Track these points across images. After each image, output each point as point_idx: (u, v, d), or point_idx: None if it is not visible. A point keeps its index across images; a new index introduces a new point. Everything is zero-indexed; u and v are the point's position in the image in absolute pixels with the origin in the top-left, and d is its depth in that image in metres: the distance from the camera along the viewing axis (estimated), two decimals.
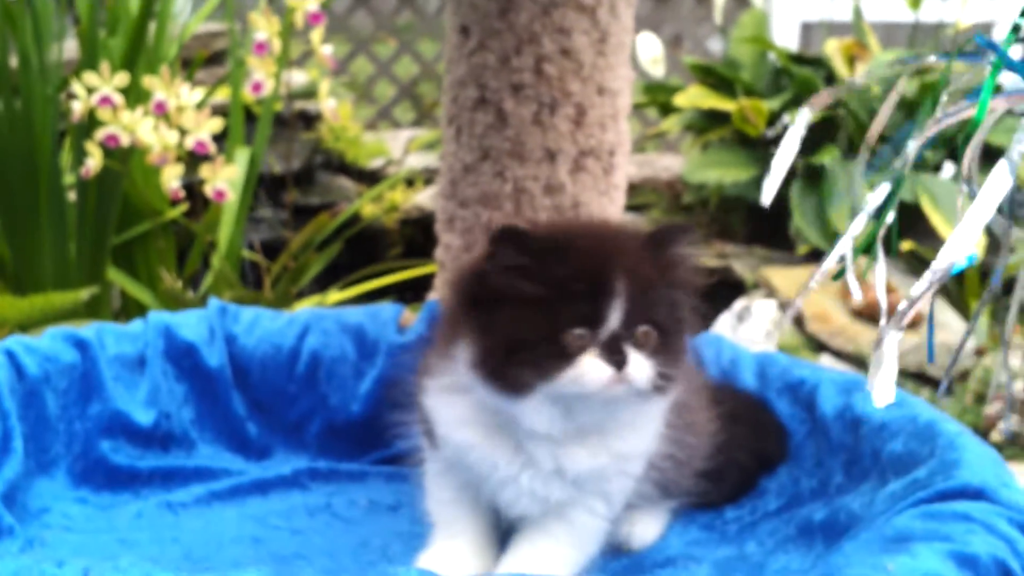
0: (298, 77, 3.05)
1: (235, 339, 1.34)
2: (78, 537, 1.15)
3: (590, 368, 0.93)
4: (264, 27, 1.95)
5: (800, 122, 0.88)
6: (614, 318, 0.93)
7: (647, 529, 1.19)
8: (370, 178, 3.23)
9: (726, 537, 1.22)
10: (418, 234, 3.12)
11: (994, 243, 2.78)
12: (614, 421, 0.99)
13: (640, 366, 0.94)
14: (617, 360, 0.93)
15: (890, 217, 0.87)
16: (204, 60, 2.54)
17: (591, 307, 0.93)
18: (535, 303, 0.94)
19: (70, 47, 2.53)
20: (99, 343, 1.25)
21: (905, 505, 1.00)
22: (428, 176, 3.18)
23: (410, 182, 3.12)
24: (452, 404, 1.02)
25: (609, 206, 1.35)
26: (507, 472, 1.00)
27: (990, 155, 2.87)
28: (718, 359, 1.36)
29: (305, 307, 1.61)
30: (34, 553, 1.05)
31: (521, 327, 0.94)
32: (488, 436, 1.00)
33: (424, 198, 3.13)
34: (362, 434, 1.35)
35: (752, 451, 1.27)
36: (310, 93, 3.06)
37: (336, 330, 1.36)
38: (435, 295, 1.42)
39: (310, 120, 3.17)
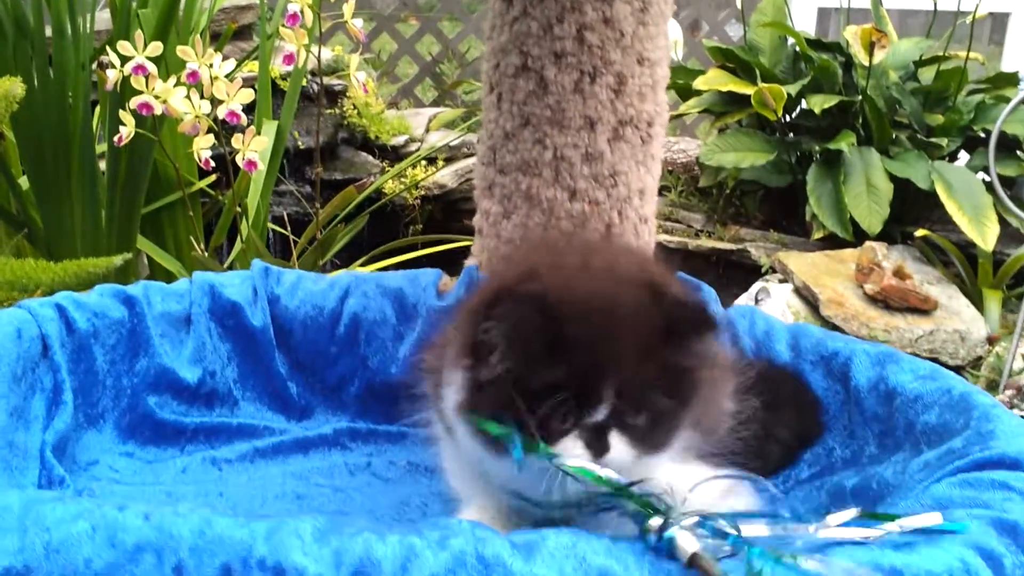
0: (323, 53, 3.07)
1: (278, 300, 1.35)
2: (126, 489, 1.17)
3: (568, 450, 0.88)
4: None
5: None
6: (601, 413, 0.89)
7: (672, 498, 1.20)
8: (392, 155, 3.24)
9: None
10: (437, 211, 3.14)
11: (1007, 234, 2.79)
12: None
13: (621, 452, 0.90)
14: (597, 449, 0.89)
15: None
16: (232, 34, 2.55)
17: (579, 405, 0.88)
18: (524, 382, 0.88)
19: (102, 18, 2.55)
20: (146, 300, 1.27)
21: (943, 474, 1.00)
22: (449, 154, 3.19)
23: (431, 160, 3.12)
24: None
25: (646, 176, 1.36)
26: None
27: (1005, 144, 2.86)
28: (751, 330, 1.37)
29: (345, 271, 1.63)
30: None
31: (506, 399, 0.88)
32: None
33: (445, 176, 3.14)
34: (401, 396, 1.36)
35: (792, 429, 1.28)
36: (335, 69, 3.08)
37: (376, 293, 1.37)
38: (472, 261, 1.43)
39: (334, 96, 3.19)
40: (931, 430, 1.14)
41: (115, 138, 1.97)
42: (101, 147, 2.26)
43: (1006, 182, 2.94)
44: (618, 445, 0.90)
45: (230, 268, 2.23)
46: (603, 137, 1.31)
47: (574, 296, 0.95)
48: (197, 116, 1.94)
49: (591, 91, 1.29)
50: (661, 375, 0.91)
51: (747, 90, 2.99)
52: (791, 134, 3.17)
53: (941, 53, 3.13)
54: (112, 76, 1.94)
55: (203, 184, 2.41)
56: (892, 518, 0.86)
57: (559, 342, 0.89)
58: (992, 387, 2.44)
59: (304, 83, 2.69)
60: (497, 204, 1.36)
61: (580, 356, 0.89)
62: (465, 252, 1.51)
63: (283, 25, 1.99)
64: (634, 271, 1.05)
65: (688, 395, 0.94)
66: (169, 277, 2.23)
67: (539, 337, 0.89)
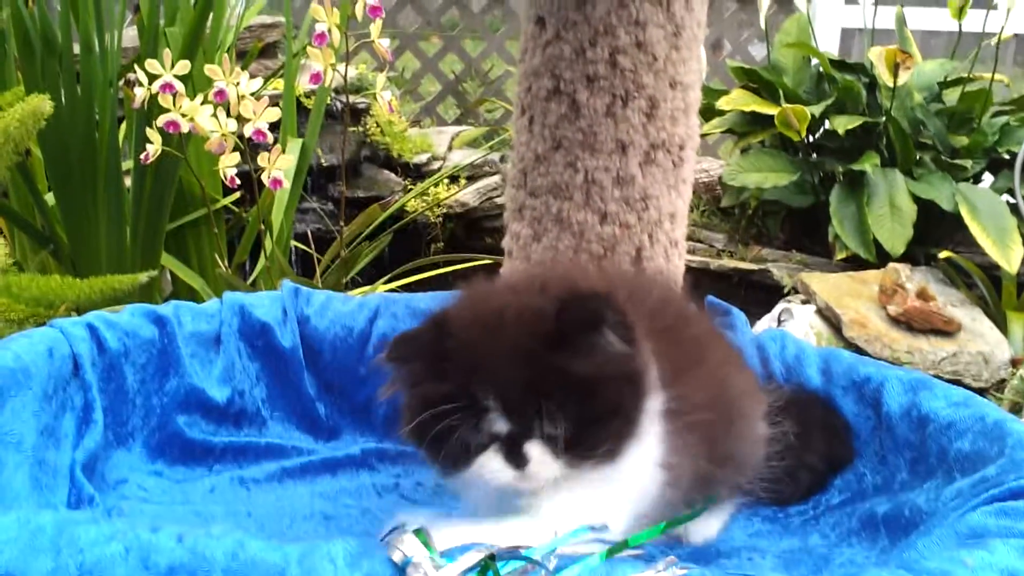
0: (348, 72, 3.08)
1: (307, 320, 1.36)
2: (155, 508, 1.17)
3: (488, 465, 0.89)
4: (324, 18, 1.97)
5: None
6: (502, 424, 0.88)
7: (707, 525, 1.18)
8: (414, 173, 3.25)
9: (789, 530, 1.22)
10: (459, 229, 3.14)
11: None
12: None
13: (545, 464, 0.88)
14: (514, 461, 0.88)
15: None
16: (257, 52, 2.56)
17: (479, 414, 0.88)
18: (432, 401, 0.88)
19: (129, 36, 2.56)
20: (176, 320, 1.27)
21: (977, 503, 0.99)
22: (471, 172, 3.19)
23: (454, 178, 3.13)
24: None
25: (677, 200, 1.35)
26: None
27: None
28: (782, 355, 1.36)
29: (374, 292, 1.63)
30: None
31: (426, 420, 0.89)
32: None
33: (467, 194, 3.14)
34: None
35: (822, 454, 1.27)
36: (358, 88, 3.09)
37: (406, 315, 1.37)
38: None
39: (357, 114, 3.20)
40: (964, 457, 1.12)
41: (142, 156, 1.98)
42: (127, 164, 2.27)
43: None
44: (538, 456, 0.88)
45: (253, 285, 2.24)
46: (635, 161, 1.30)
47: (471, 313, 0.95)
48: (223, 134, 1.94)
49: (623, 115, 1.29)
50: (551, 378, 0.88)
51: (770, 110, 2.99)
52: (814, 155, 3.16)
53: (966, 74, 3.12)
54: (139, 94, 1.95)
55: (227, 201, 2.42)
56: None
57: (444, 358, 0.89)
58: (1016, 410, 2.42)
59: (328, 101, 2.71)
60: (527, 227, 1.36)
61: (460, 367, 0.88)
62: (487, 270, 1.50)
63: (311, 44, 2.00)
64: (575, 284, 1.01)
65: (604, 397, 0.90)
66: (193, 294, 2.24)
67: (426, 357, 0.90)
